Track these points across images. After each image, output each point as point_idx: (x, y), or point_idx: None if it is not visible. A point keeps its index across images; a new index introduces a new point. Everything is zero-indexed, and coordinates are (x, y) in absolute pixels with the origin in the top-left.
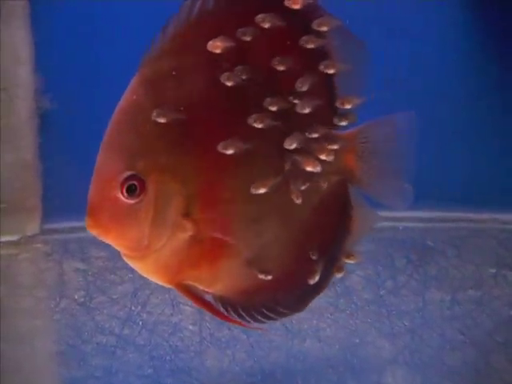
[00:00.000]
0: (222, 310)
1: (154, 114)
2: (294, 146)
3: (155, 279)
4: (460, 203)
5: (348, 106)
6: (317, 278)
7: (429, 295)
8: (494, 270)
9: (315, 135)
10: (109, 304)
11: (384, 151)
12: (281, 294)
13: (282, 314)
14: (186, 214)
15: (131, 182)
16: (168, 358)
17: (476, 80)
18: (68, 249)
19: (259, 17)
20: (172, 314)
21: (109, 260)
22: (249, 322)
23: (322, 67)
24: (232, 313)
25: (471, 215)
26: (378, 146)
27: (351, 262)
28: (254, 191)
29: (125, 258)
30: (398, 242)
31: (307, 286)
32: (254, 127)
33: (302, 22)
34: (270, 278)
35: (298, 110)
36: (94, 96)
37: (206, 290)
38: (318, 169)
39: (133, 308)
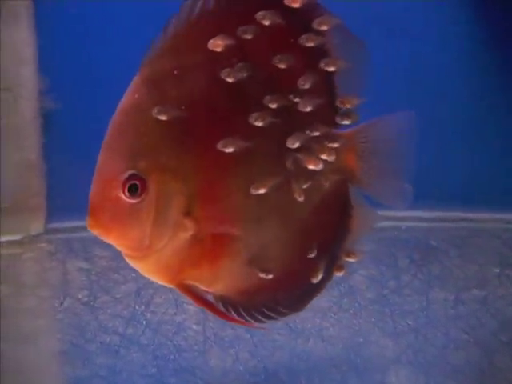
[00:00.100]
0: (222, 309)
1: (155, 111)
2: (296, 145)
3: (156, 279)
4: (462, 203)
5: (348, 106)
6: (320, 277)
7: (432, 295)
8: (497, 270)
9: (316, 134)
10: (112, 303)
11: (384, 151)
12: (281, 293)
13: (282, 313)
14: (188, 214)
15: (132, 182)
16: (172, 357)
17: (476, 80)
18: (72, 248)
19: (260, 14)
20: (176, 314)
21: (112, 259)
22: (249, 321)
23: (322, 65)
24: (232, 312)
25: (474, 215)
26: (377, 145)
27: (352, 260)
28: (253, 191)
29: (126, 258)
30: (401, 242)
31: (307, 286)
32: (255, 126)
33: (301, 21)
34: (270, 277)
35: (300, 108)
36: (98, 96)
37: (207, 289)
38: (319, 167)
39: (136, 307)
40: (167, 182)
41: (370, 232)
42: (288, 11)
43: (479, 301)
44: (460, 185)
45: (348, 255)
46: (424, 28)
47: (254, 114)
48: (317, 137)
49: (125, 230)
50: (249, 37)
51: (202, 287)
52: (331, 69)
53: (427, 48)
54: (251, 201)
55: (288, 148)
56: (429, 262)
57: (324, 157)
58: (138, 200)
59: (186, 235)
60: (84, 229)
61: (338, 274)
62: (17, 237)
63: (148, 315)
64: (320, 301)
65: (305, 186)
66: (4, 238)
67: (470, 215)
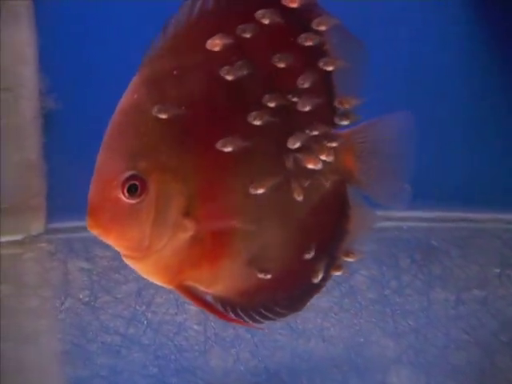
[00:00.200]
0: (221, 310)
1: (155, 109)
2: (297, 145)
3: (156, 280)
4: (463, 203)
5: (346, 106)
6: (320, 277)
7: (433, 295)
8: (498, 270)
9: (315, 133)
10: (113, 303)
11: (382, 151)
12: (280, 293)
13: (281, 314)
14: (187, 214)
15: (132, 182)
16: (173, 357)
17: (476, 80)
18: (72, 248)
19: (259, 13)
20: (177, 314)
21: (113, 259)
22: (247, 321)
23: (321, 64)
24: (231, 313)
25: (474, 215)
26: (376, 145)
27: (350, 259)
28: (252, 192)
29: (125, 259)
30: (402, 242)
31: (306, 286)
32: (255, 126)
33: (300, 20)
34: (269, 277)
35: (299, 107)
36: (99, 96)
37: (206, 290)
38: (319, 166)
39: (137, 307)
40: (167, 183)
41: (369, 232)
42: (287, 11)
43: (480, 301)
44: (461, 185)
45: (347, 255)
46: (424, 28)
47: (253, 113)
48: (315, 136)
49: (124, 231)
50: (248, 35)
51: (201, 288)
52: (330, 68)
53: (427, 48)
54: (251, 201)
55: (287, 147)
56: (430, 262)
57: (323, 157)
58: (138, 200)
59: (185, 236)
60: (85, 229)
61: (337, 274)
62: (17, 237)
63: (149, 315)
64: (321, 301)
65: (304, 185)
66: (4, 238)
67: (471, 215)
